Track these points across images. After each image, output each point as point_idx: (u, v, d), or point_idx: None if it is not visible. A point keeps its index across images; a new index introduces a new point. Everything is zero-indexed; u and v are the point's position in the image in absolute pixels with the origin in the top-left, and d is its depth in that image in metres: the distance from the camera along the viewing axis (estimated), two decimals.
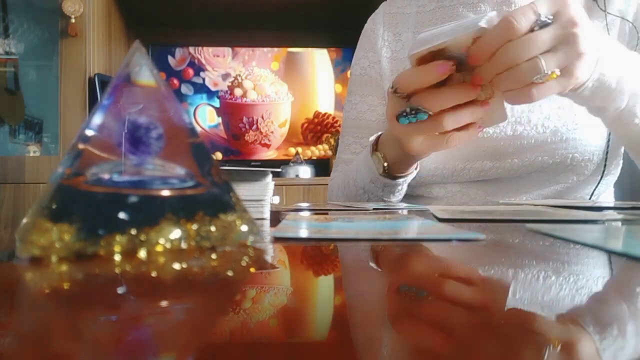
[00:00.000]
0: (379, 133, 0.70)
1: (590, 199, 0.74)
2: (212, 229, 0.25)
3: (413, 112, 0.54)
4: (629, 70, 0.55)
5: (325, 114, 2.27)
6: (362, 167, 0.71)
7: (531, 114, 0.69)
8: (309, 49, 2.27)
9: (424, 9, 0.82)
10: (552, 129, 0.68)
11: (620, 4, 0.70)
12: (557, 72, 0.47)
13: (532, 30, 0.47)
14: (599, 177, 0.72)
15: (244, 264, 0.22)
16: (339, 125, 2.23)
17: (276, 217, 0.43)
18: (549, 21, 0.47)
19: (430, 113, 0.53)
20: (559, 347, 0.11)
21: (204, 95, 2.20)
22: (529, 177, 0.72)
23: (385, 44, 0.84)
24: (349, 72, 2.22)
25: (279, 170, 2.03)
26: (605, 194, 0.78)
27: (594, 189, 0.73)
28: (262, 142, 2.20)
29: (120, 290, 0.18)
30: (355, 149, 0.86)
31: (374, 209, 0.53)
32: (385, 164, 0.66)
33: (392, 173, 0.67)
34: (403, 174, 0.68)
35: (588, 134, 0.68)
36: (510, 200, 0.73)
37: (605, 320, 0.13)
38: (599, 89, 0.53)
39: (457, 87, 0.52)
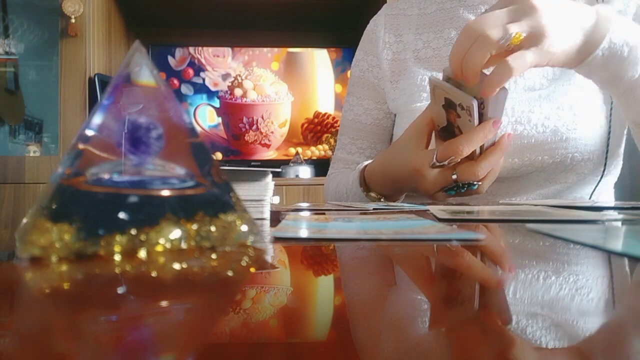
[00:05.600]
0: (364, 165, 0.74)
1: (590, 199, 0.74)
2: (212, 229, 0.25)
3: (465, 185, 0.59)
4: None
5: (325, 114, 2.26)
6: (354, 193, 0.75)
7: (531, 114, 0.69)
8: (309, 49, 2.27)
9: (425, 11, 0.83)
10: (552, 128, 0.68)
11: (619, 5, 0.70)
12: (523, 34, 0.49)
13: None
14: (599, 177, 0.72)
15: (244, 264, 0.22)
16: (339, 125, 2.23)
17: (276, 217, 0.43)
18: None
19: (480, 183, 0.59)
20: (557, 348, 0.11)
21: (204, 96, 2.20)
22: (530, 176, 0.72)
23: (387, 46, 0.84)
24: (349, 72, 2.23)
25: (279, 170, 2.02)
26: (605, 195, 0.78)
27: (594, 189, 0.74)
28: (262, 142, 2.20)
29: (120, 290, 0.18)
30: (351, 149, 0.88)
31: (374, 209, 0.53)
32: (382, 199, 0.71)
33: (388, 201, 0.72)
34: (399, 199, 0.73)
35: (588, 134, 0.68)
36: (510, 199, 0.73)
37: (606, 320, 0.13)
38: (611, 58, 0.54)
39: (483, 134, 0.55)
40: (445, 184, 0.60)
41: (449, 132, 0.60)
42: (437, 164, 0.59)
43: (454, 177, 0.58)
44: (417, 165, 0.61)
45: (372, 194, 0.72)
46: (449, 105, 0.57)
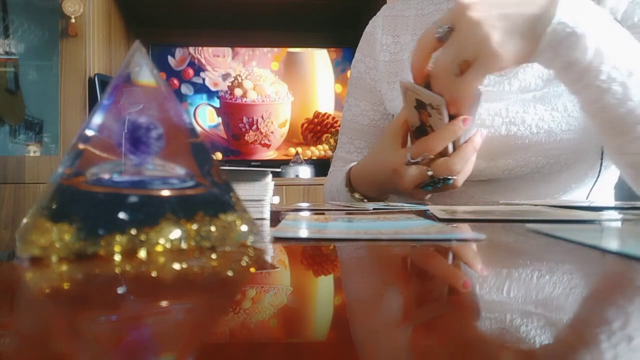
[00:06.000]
0: (351, 166, 0.78)
1: (586, 199, 0.74)
2: (212, 229, 0.25)
3: (441, 180, 0.62)
4: (597, 28, 0.54)
5: (325, 114, 2.26)
6: (342, 194, 0.79)
7: (525, 115, 0.69)
8: (309, 49, 2.27)
9: (422, 12, 0.83)
10: (546, 129, 0.68)
11: (612, 2, 0.69)
12: (470, 58, 0.53)
13: (440, 40, 0.56)
14: (595, 177, 0.72)
15: (244, 264, 0.22)
16: (339, 125, 2.23)
17: (276, 217, 0.43)
18: (448, 29, 0.55)
19: (455, 177, 0.62)
20: (555, 348, 0.11)
21: (204, 96, 2.20)
22: (524, 177, 0.72)
23: (384, 48, 0.85)
24: (349, 72, 2.22)
25: (279, 170, 2.02)
26: (604, 195, 0.78)
27: (590, 190, 0.74)
28: (262, 142, 2.20)
29: (120, 290, 0.18)
30: (349, 149, 0.91)
31: (374, 209, 0.53)
32: (365, 200, 0.74)
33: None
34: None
35: (582, 135, 0.68)
36: (506, 200, 0.73)
37: (604, 320, 0.13)
38: (558, 47, 0.53)
39: (453, 130, 0.59)
40: (421, 180, 0.63)
41: (422, 132, 0.63)
42: (412, 161, 0.62)
43: (430, 173, 0.62)
44: (394, 164, 0.65)
45: (356, 195, 0.76)
46: (420, 106, 0.61)
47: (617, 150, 0.59)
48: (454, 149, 0.61)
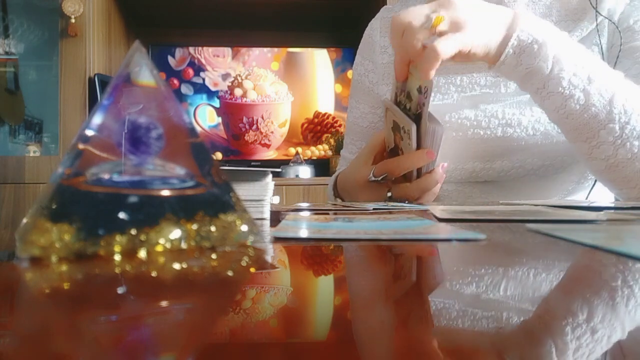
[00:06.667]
0: (337, 173, 0.82)
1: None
2: (212, 229, 0.25)
3: (397, 202, 0.65)
4: (555, 39, 0.56)
5: (325, 114, 2.26)
6: (330, 198, 0.84)
7: (522, 117, 0.69)
8: (309, 49, 2.27)
9: None
10: (542, 131, 0.68)
11: (611, 3, 0.69)
12: (445, 18, 0.54)
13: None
14: (593, 180, 0.72)
15: (244, 264, 0.22)
16: (339, 125, 2.24)
17: (276, 217, 0.43)
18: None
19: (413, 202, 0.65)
20: (555, 349, 0.11)
21: (204, 95, 2.20)
22: (521, 180, 0.72)
23: (382, 50, 0.85)
24: (349, 72, 2.23)
25: (279, 170, 2.02)
26: (603, 197, 0.78)
27: (589, 192, 0.74)
28: (262, 142, 2.20)
29: (120, 290, 0.18)
30: (352, 149, 0.94)
31: (374, 209, 0.53)
32: None
33: None
34: None
35: None
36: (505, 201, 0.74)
37: (603, 319, 0.13)
38: (521, 55, 0.56)
39: (416, 159, 0.61)
40: (379, 199, 0.66)
41: (395, 153, 0.66)
42: (373, 178, 0.65)
43: (389, 194, 0.65)
44: (358, 177, 0.68)
45: (338, 200, 0.79)
46: (395, 128, 0.63)
47: (586, 157, 0.60)
48: (418, 176, 0.64)
